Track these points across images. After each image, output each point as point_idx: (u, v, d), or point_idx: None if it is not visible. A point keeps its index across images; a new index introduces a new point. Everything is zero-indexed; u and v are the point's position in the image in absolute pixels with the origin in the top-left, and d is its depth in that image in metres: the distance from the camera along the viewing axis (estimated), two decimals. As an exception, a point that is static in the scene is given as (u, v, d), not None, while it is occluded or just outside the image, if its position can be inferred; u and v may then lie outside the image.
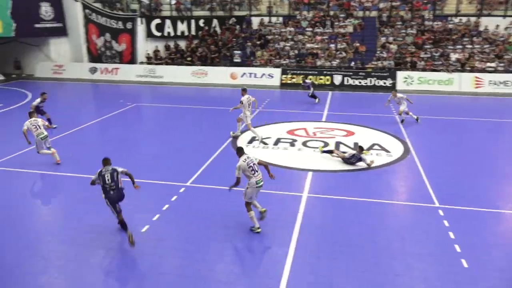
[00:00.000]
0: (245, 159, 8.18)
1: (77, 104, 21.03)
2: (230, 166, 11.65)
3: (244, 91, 14.14)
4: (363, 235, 8.18)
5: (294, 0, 28.57)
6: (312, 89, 20.00)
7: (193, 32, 28.15)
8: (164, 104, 19.95)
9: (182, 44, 28.20)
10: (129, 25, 27.68)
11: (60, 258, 7.46)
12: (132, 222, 8.67)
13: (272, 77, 24.95)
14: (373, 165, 11.79)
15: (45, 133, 11.86)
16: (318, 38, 26.43)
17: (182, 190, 10.21)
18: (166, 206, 9.36)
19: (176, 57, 27.25)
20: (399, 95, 16.27)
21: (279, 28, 27.49)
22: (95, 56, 28.56)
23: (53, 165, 11.83)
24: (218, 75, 25.64)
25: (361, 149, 12.08)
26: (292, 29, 27.25)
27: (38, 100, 15.00)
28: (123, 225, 7.97)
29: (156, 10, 28.69)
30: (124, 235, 7.89)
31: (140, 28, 27.94)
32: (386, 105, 17.16)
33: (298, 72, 24.63)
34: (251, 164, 8.14)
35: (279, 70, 24.95)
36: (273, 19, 28.21)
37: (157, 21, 28.10)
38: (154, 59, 27.55)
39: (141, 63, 27.85)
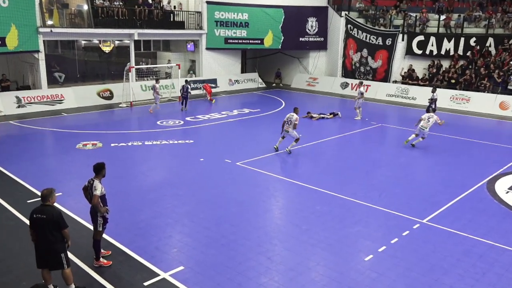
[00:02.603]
0: (289, 115, 14.53)
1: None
2: (479, 212, 10.49)
3: (360, 83, 22.28)
4: None
5: None
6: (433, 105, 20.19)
7: (460, 52, 26.34)
8: (413, 128, 19.36)
9: (445, 64, 26.77)
10: (388, 42, 28.07)
11: (282, 263, 8.16)
12: (356, 247, 8.77)
13: (558, 112, 21.06)
14: None
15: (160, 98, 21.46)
16: None
17: (416, 226, 9.70)
18: (395, 239, 9.06)
19: (436, 78, 26.08)
20: None
21: None
22: (349, 71, 30.11)
23: (287, 171, 13.04)
24: (484, 102, 23.30)
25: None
26: None
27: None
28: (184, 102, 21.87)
29: (421, 26, 28.10)
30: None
31: (400, 45, 27.94)
32: None
33: None
34: (289, 120, 14.41)
35: None
36: None
37: (420, 37, 27.48)
38: (409, 78, 27.07)
39: (395, 82, 27.82)
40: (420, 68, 27.46)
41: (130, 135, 17.26)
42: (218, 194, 11.37)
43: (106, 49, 26.54)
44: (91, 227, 8.01)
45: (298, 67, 32.57)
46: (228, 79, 29.45)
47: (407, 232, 9.41)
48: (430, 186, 12.28)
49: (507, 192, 11.84)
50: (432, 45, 27.15)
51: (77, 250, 8.03)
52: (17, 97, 20.87)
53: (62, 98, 22.14)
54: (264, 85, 31.15)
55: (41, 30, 21.43)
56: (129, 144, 15.86)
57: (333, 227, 9.63)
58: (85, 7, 23.66)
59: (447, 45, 26.73)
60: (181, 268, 7.90)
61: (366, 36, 28.97)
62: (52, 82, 23.60)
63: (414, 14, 28.56)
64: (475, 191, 11.92)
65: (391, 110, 24.40)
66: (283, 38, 30.27)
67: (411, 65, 27.36)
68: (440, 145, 16.75)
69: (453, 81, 25.26)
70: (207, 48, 28.30)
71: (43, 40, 21.93)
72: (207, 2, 27.56)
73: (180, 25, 27.35)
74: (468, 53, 26.01)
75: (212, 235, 9.12)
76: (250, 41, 29.54)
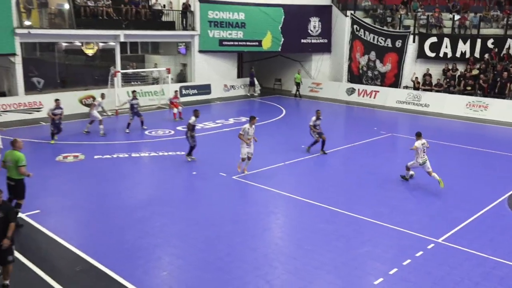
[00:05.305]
0: (423, 143, 13.17)
1: (327, 126, 22.58)
2: (500, 230, 10.49)
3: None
4: None
5: None
6: None
7: (476, 55, 26.51)
8: (425, 138, 19.39)
9: (461, 68, 26.92)
10: (398, 44, 28.25)
11: (283, 287, 8.17)
12: (365, 270, 8.76)
13: None
14: None
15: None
16: None
17: (430, 246, 9.69)
18: (408, 261, 9.04)
19: (450, 84, 26.21)
20: None
21: None
22: (356, 76, 30.25)
23: (288, 186, 13.05)
24: (504, 110, 23.39)
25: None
26: None
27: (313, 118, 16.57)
28: None
29: (434, 26, 28.29)
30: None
31: (411, 47, 28.11)
32: None
33: None
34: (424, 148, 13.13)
35: None
36: None
37: (433, 39, 27.66)
38: (422, 84, 27.20)
39: (405, 87, 27.96)
40: (434, 72, 27.56)
41: (116, 146, 17.26)
42: (212, 212, 11.35)
43: (89, 52, 26.67)
44: (72, 248, 7.97)
45: (300, 72, 32.63)
46: (223, 85, 29.53)
47: (421, 252, 9.39)
48: (445, 202, 12.28)
49: (531, 209, 11.84)
50: (446, 47, 27.32)
51: (57, 273, 7.98)
52: (-10, 104, 20.94)
53: (41, 106, 22.15)
54: (255, 93, 30.89)
55: (17, 31, 21.52)
56: (114, 156, 15.83)
57: (339, 247, 9.60)
58: (66, 6, 23.79)
59: (463, 47, 26.89)
60: (172, 293, 7.87)
61: (374, 37, 29.16)
62: (30, 88, 23.67)
63: (425, 14, 28.73)
64: (495, 207, 11.91)
65: (401, 118, 24.48)
66: (283, 39, 30.46)
67: (428, 69, 27.24)
68: (456, 157, 16.79)
69: (468, 88, 25.29)
70: (199, 51, 28.41)
71: (20, 42, 22.01)
72: (200, 1, 27.70)
73: (170, 25, 27.49)
74: (486, 56, 26.14)
75: (206, 257, 9.09)
76: (247, 43, 29.71)
